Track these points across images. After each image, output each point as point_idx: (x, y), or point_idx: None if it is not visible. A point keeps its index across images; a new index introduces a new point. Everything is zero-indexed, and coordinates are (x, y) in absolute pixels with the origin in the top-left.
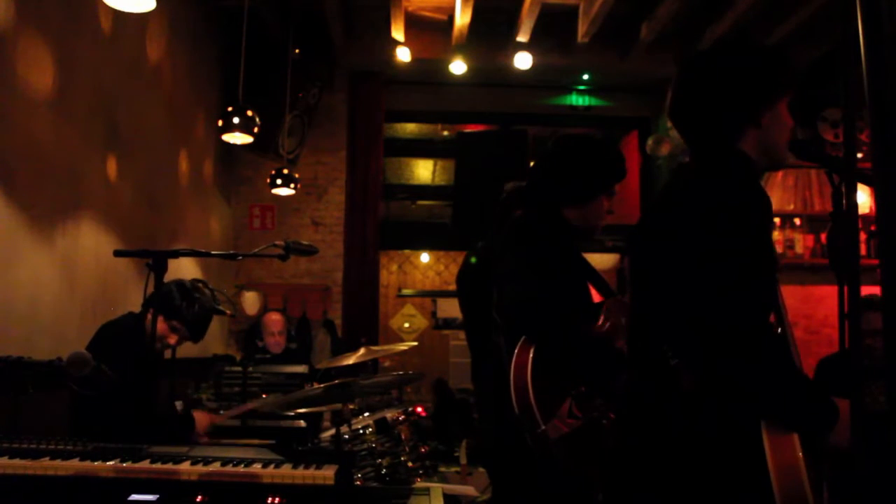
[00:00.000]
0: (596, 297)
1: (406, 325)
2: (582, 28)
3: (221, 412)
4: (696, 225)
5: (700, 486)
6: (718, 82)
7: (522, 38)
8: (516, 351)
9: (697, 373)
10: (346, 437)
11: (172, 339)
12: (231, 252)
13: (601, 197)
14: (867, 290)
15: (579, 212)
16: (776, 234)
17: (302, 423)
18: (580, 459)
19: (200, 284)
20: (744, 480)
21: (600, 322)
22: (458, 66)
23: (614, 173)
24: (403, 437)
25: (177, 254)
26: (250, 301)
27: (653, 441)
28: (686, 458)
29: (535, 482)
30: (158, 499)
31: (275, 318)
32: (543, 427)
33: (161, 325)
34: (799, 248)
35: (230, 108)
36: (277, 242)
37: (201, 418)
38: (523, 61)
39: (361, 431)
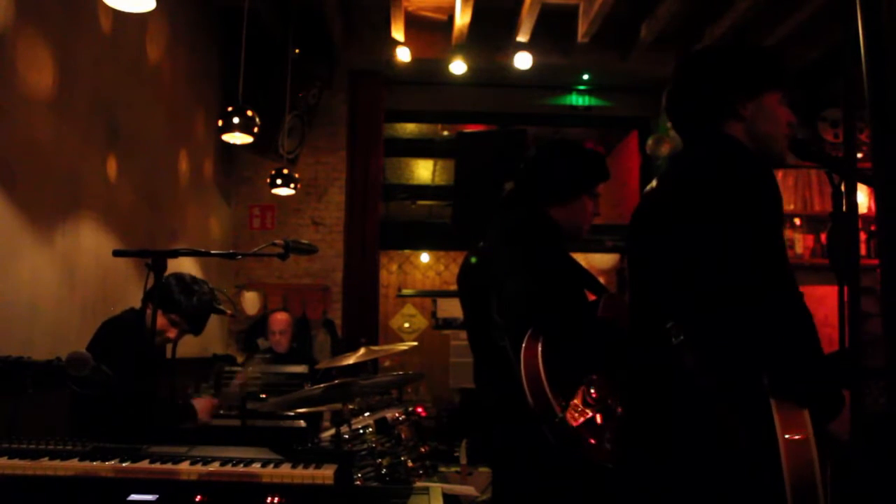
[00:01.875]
0: (590, 296)
1: (406, 325)
2: (582, 28)
3: (221, 412)
4: (703, 200)
5: (708, 464)
6: (701, 74)
7: (522, 38)
8: (524, 345)
9: (701, 350)
10: (346, 437)
11: (172, 333)
12: (231, 251)
13: (584, 197)
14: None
15: (564, 212)
16: None
17: (302, 423)
18: (598, 446)
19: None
20: (750, 454)
21: (600, 314)
22: (458, 66)
23: (595, 173)
24: (403, 437)
25: (176, 253)
26: (250, 301)
27: (658, 420)
28: (692, 438)
29: (537, 482)
30: (158, 499)
31: (279, 318)
32: (561, 415)
33: (160, 320)
34: (799, 248)
35: (230, 108)
36: (277, 241)
37: (203, 405)
38: (523, 61)
39: (361, 431)
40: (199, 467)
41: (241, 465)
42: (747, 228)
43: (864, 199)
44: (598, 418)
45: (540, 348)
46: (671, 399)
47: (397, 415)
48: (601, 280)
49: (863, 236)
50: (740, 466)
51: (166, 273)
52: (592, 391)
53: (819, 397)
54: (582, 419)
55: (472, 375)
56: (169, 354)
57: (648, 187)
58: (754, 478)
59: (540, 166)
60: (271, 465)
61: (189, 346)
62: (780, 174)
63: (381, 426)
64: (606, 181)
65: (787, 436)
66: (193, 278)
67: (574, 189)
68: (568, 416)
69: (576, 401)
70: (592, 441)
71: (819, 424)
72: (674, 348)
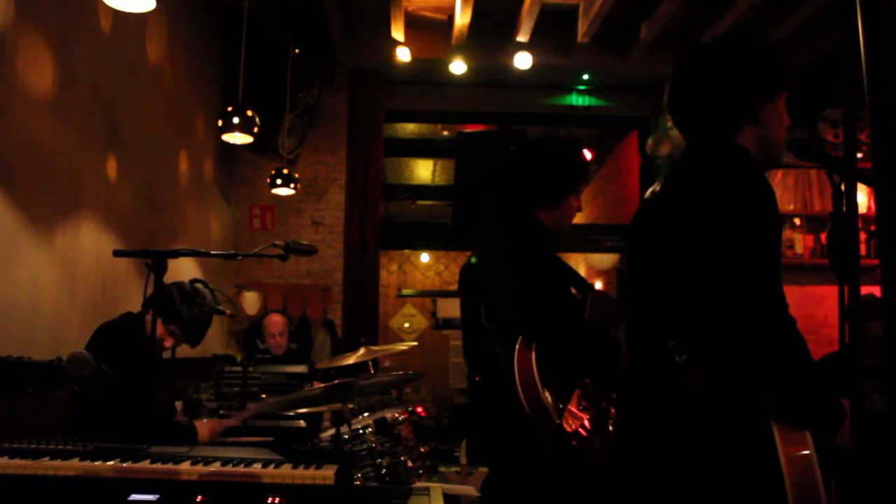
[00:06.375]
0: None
1: (406, 325)
2: (582, 28)
3: (221, 412)
4: (706, 218)
5: (710, 484)
6: (716, 75)
7: (522, 38)
8: (517, 354)
9: (707, 369)
10: (346, 437)
11: (168, 343)
12: (231, 252)
13: (570, 197)
14: (867, 291)
15: (551, 214)
16: None
17: (302, 423)
18: (595, 449)
19: (200, 285)
20: (755, 476)
21: (588, 315)
22: (458, 66)
23: (580, 174)
24: (403, 436)
25: (176, 254)
26: (250, 301)
27: (660, 439)
28: (694, 457)
29: (533, 485)
30: (159, 499)
31: (275, 320)
32: (558, 422)
33: (159, 328)
34: (799, 248)
35: (230, 108)
36: (277, 242)
37: (203, 428)
38: (523, 61)
39: (361, 431)
40: (199, 467)
41: (242, 465)
42: (745, 246)
43: (864, 199)
44: (594, 422)
45: (534, 356)
46: (675, 419)
47: (397, 415)
48: (601, 280)
49: (863, 236)
50: (745, 486)
51: (166, 273)
52: (587, 395)
53: (818, 415)
54: (577, 424)
55: (467, 375)
56: (168, 355)
57: (650, 191)
58: (758, 498)
59: (525, 169)
60: (272, 466)
61: (188, 346)
62: (780, 174)
63: (381, 426)
64: (588, 178)
65: (788, 455)
66: (195, 289)
67: (563, 192)
68: (564, 422)
69: (571, 406)
70: (589, 444)
71: (820, 441)
72: (677, 368)
